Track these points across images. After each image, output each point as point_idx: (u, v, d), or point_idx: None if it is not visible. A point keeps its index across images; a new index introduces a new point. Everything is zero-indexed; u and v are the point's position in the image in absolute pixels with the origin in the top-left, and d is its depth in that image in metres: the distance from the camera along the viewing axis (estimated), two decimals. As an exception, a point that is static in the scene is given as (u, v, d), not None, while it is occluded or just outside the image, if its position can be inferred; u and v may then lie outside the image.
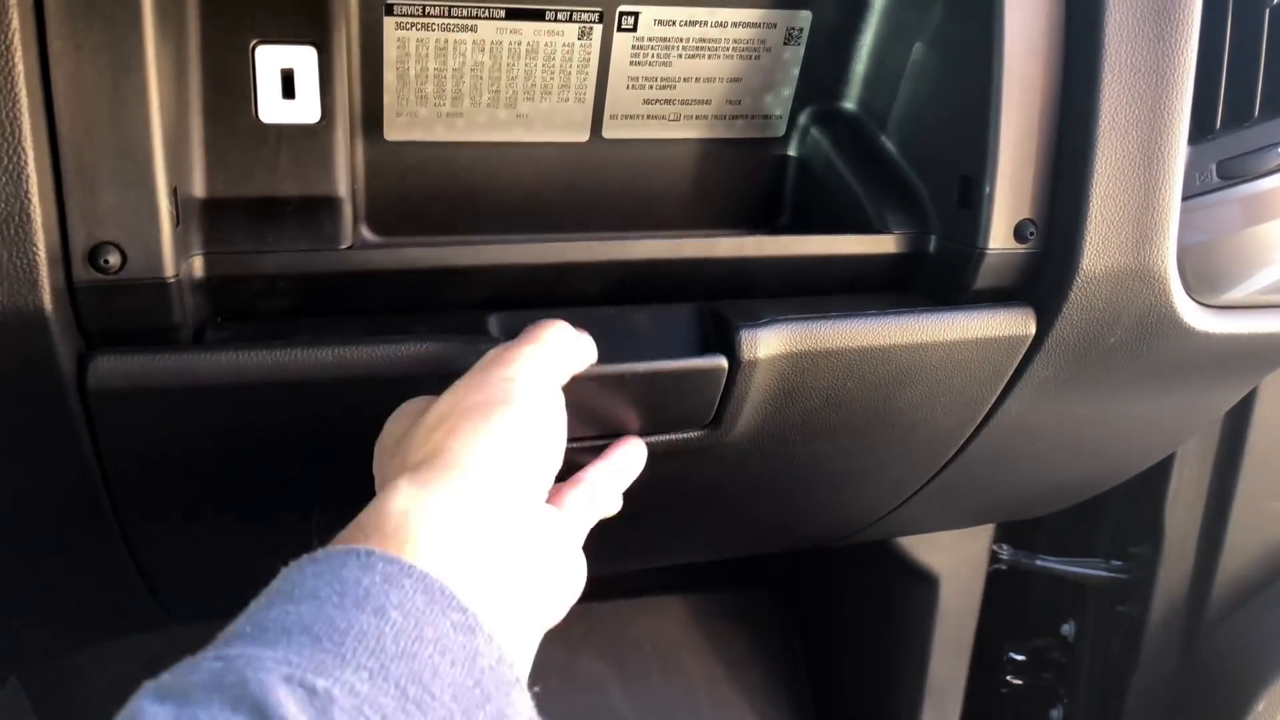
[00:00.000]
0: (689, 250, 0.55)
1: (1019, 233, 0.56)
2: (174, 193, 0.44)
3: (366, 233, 0.57)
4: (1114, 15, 0.53)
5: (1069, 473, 0.80)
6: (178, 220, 0.45)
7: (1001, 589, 1.11)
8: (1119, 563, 1.04)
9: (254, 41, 0.49)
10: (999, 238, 0.55)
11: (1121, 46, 0.54)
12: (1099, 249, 0.56)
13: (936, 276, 0.59)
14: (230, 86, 0.49)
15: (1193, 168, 0.58)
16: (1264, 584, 1.02)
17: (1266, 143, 0.59)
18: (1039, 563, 1.07)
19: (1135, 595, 1.03)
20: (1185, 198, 0.57)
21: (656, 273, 0.55)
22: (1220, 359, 0.65)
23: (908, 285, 0.60)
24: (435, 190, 0.58)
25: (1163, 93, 0.55)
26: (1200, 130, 0.58)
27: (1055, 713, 1.13)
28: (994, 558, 1.09)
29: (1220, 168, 0.59)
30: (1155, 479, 0.96)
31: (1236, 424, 0.94)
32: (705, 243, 0.56)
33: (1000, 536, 1.09)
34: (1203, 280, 0.59)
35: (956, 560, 1.05)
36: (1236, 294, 0.61)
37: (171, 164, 0.44)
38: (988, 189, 0.55)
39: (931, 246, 0.58)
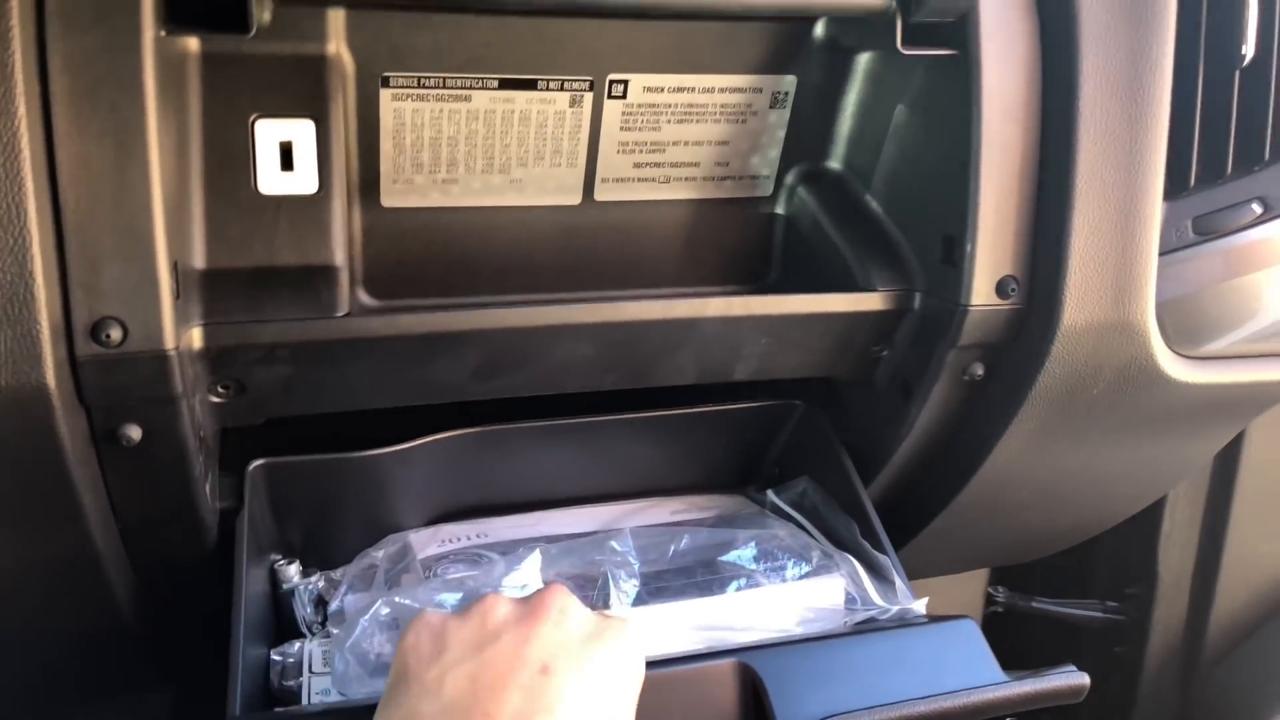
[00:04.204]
0: (680, 311, 0.56)
1: (1001, 289, 0.57)
2: (174, 266, 0.45)
3: (364, 297, 0.59)
4: (1089, 79, 0.55)
5: (1060, 518, 0.81)
6: (178, 293, 0.46)
7: (998, 631, 1.11)
8: (1114, 604, 1.05)
9: (254, 116, 0.50)
10: (981, 294, 0.57)
11: (1096, 108, 0.55)
12: (1079, 304, 0.57)
13: (922, 333, 0.60)
14: (230, 160, 0.50)
15: (1169, 224, 0.59)
16: (1258, 623, 1.02)
17: (1240, 199, 0.60)
18: (1035, 604, 1.08)
19: (1132, 636, 1.03)
20: (1163, 253, 0.58)
21: (648, 333, 0.57)
22: (1202, 408, 0.66)
23: (893, 340, 0.62)
24: (431, 254, 0.60)
25: (1137, 152, 0.56)
26: (1175, 187, 0.60)
27: (1055, 754, 1.13)
28: (990, 600, 1.09)
29: (1196, 224, 0.60)
30: (1148, 521, 0.97)
31: (1226, 465, 0.95)
32: (695, 303, 0.57)
33: (996, 579, 1.09)
34: (1182, 333, 0.61)
35: (952, 603, 1.05)
36: (1215, 345, 0.62)
37: (173, 238, 0.45)
38: (969, 247, 0.56)
39: (916, 304, 0.60)
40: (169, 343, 0.45)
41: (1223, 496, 0.97)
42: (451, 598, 0.54)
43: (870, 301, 0.59)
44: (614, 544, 0.60)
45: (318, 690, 0.51)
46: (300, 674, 0.52)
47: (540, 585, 0.56)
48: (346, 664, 0.50)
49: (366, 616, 0.52)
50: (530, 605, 0.44)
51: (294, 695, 0.52)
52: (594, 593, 0.56)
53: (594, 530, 0.64)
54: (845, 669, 0.51)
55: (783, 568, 0.59)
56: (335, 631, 0.54)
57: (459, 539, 0.62)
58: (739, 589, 0.58)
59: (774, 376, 0.63)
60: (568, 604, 0.45)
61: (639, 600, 0.56)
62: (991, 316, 0.57)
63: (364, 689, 0.49)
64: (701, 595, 0.57)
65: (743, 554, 0.60)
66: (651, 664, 0.49)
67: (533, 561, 0.57)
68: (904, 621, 0.57)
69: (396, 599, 0.53)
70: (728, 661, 0.49)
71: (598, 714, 0.42)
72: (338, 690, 0.51)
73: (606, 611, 0.47)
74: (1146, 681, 1.04)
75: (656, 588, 0.57)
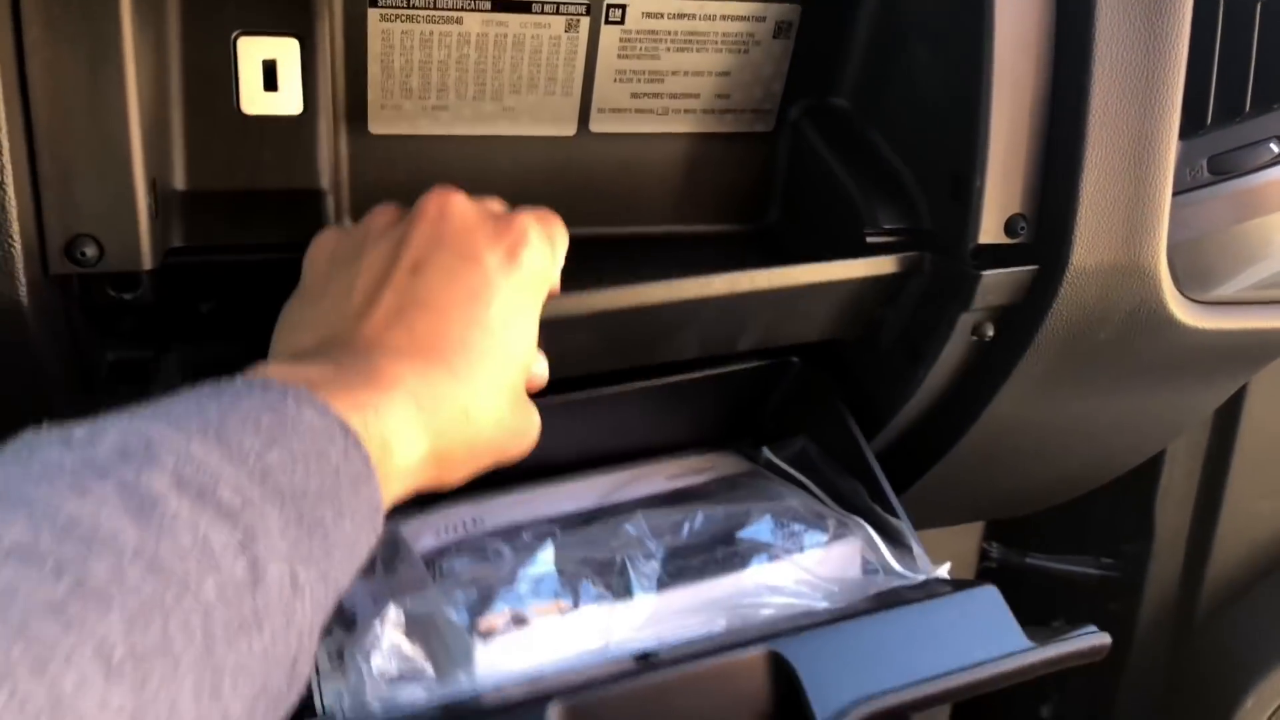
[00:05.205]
0: (685, 292, 0.53)
1: (1010, 228, 0.55)
2: (153, 185, 0.44)
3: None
4: (1105, 9, 0.53)
5: (1059, 469, 0.80)
6: (157, 213, 0.44)
7: (992, 587, 1.10)
8: (1109, 560, 1.04)
9: (236, 32, 0.48)
10: (990, 233, 0.55)
11: (1112, 41, 0.53)
12: (1090, 244, 0.55)
13: (932, 294, 0.58)
14: (211, 78, 0.48)
15: (1184, 163, 0.57)
16: (1253, 582, 1.02)
17: (1258, 138, 0.59)
18: (1029, 560, 1.07)
19: (1126, 593, 1.03)
20: (1176, 193, 0.56)
21: (650, 315, 0.54)
22: (1211, 355, 0.65)
23: (899, 301, 0.60)
24: (420, 184, 0.57)
25: (1154, 87, 0.54)
26: (1191, 125, 0.58)
27: (1046, 710, 1.13)
28: (984, 555, 1.09)
29: (1211, 163, 0.58)
30: (1145, 476, 0.96)
31: (1226, 421, 0.94)
32: (700, 282, 0.53)
33: (990, 534, 1.08)
34: (1193, 276, 0.59)
35: (946, 558, 1.04)
36: (1227, 290, 0.61)
37: (151, 155, 0.43)
38: (978, 183, 0.54)
39: (926, 265, 0.58)
40: (147, 263, 0.43)
41: (1222, 453, 0.97)
42: (468, 596, 0.51)
43: (881, 265, 0.57)
44: (628, 528, 0.57)
45: (329, 695, 0.48)
46: None
47: (555, 576, 0.54)
48: (360, 673, 0.47)
49: (380, 620, 0.49)
50: (412, 209, 0.44)
51: (304, 700, 0.49)
52: (613, 578, 0.54)
53: (594, 505, 0.62)
54: (875, 648, 0.49)
55: (800, 538, 0.57)
56: (336, 628, 0.51)
57: (455, 527, 0.59)
58: (759, 564, 0.56)
59: (778, 344, 0.61)
60: (449, 203, 0.43)
61: (660, 583, 0.54)
62: (1005, 280, 0.55)
63: (381, 697, 0.47)
64: (722, 573, 0.55)
65: (759, 528, 0.58)
66: (678, 660, 0.47)
67: (547, 554, 0.54)
68: (928, 592, 0.56)
69: (410, 603, 0.50)
70: (759, 651, 0.48)
71: (481, 304, 0.40)
72: (351, 698, 0.48)
73: (519, 211, 0.45)
74: (1140, 638, 1.04)
75: (676, 568, 0.55)
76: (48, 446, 0.27)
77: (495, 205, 0.46)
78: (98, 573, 0.23)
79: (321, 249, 0.44)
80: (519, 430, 0.43)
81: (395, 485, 0.36)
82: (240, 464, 0.29)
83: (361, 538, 0.33)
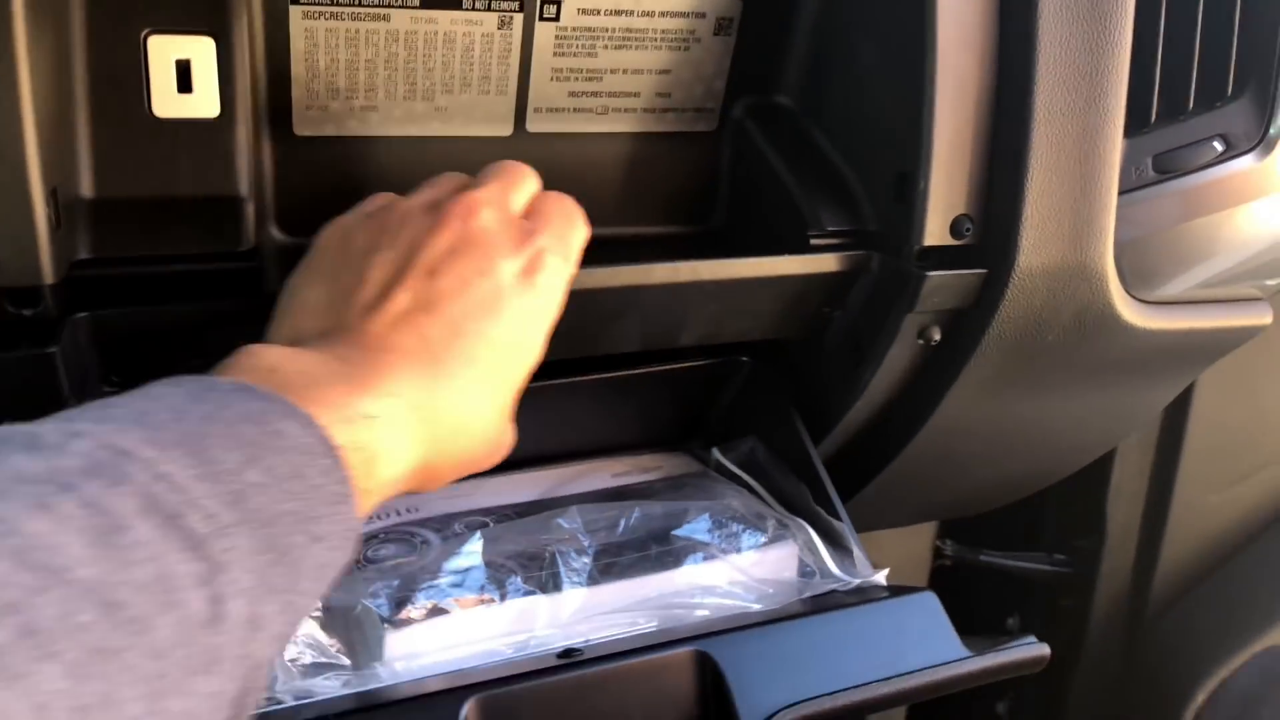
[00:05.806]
0: (624, 278, 0.53)
1: (955, 229, 0.54)
2: (53, 194, 0.41)
3: (276, 233, 0.54)
4: (1047, 7, 0.52)
5: (1009, 470, 0.79)
6: (59, 223, 0.42)
7: (946, 584, 1.10)
8: (1062, 556, 1.04)
9: (146, 31, 0.46)
10: (935, 234, 0.54)
11: (1056, 38, 0.52)
12: (1036, 245, 0.54)
13: (878, 295, 0.57)
14: (120, 80, 0.46)
15: (1128, 162, 0.57)
16: (1203, 576, 1.02)
17: (1201, 136, 0.58)
18: (983, 558, 1.07)
19: (1079, 589, 1.03)
20: (1121, 192, 0.56)
21: (589, 301, 0.52)
22: (1158, 354, 0.64)
23: (846, 302, 0.59)
24: (350, 187, 0.55)
25: (1098, 85, 0.53)
26: (1135, 123, 0.57)
27: (1002, 706, 1.13)
28: (938, 553, 1.09)
29: (1156, 161, 0.58)
30: (1097, 473, 0.96)
31: (1175, 418, 0.94)
32: (640, 269, 0.53)
33: (943, 532, 1.08)
34: (1140, 276, 0.58)
35: (899, 557, 1.03)
36: (1173, 289, 0.60)
37: (51, 163, 0.41)
38: (922, 184, 0.53)
39: (874, 265, 0.56)
40: (48, 277, 0.41)
41: (1171, 449, 0.97)
42: (389, 586, 0.49)
43: (826, 263, 0.56)
44: (561, 521, 0.56)
45: None
46: None
47: (483, 569, 0.52)
48: (273, 667, 0.46)
49: None
50: (439, 210, 0.43)
51: None
52: (542, 573, 0.53)
53: (534, 498, 0.60)
54: (806, 651, 0.48)
55: (737, 539, 0.56)
56: None
57: (388, 514, 0.58)
58: (693, 563, 0.55)
59: (722, 341, 0.60)
60: (474, 210, 0.42)
61: (591, 579, 0.53)
62: (951, 282, 0.54)
63: (293, 688, 0.45)
64: (655, 571, 0.54)
65: (696, 527, 0.57)
66: (606, 657, 0.46)
67: (474, 545, 0.53)
68: (864, 596, 0.55)
69: (329, 592, 0.48)
70: (686, 650, 0.47)
71: (491, 319, 0.40)
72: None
73: (543, 241, 0.44)
74: (1093, 633, 1.04)
75: (607, 564, 0.54)
76: (15, 451, 0.26)
77: (520, 192, 0.46)
78: (46, 615, 0.22)
79: (336, 230, 0.43)
80: (502, 445, 0.43)
81: (374, 498, 0.35)
82: (216, 483, 0.27)
83: (334, 561, 0.32)
